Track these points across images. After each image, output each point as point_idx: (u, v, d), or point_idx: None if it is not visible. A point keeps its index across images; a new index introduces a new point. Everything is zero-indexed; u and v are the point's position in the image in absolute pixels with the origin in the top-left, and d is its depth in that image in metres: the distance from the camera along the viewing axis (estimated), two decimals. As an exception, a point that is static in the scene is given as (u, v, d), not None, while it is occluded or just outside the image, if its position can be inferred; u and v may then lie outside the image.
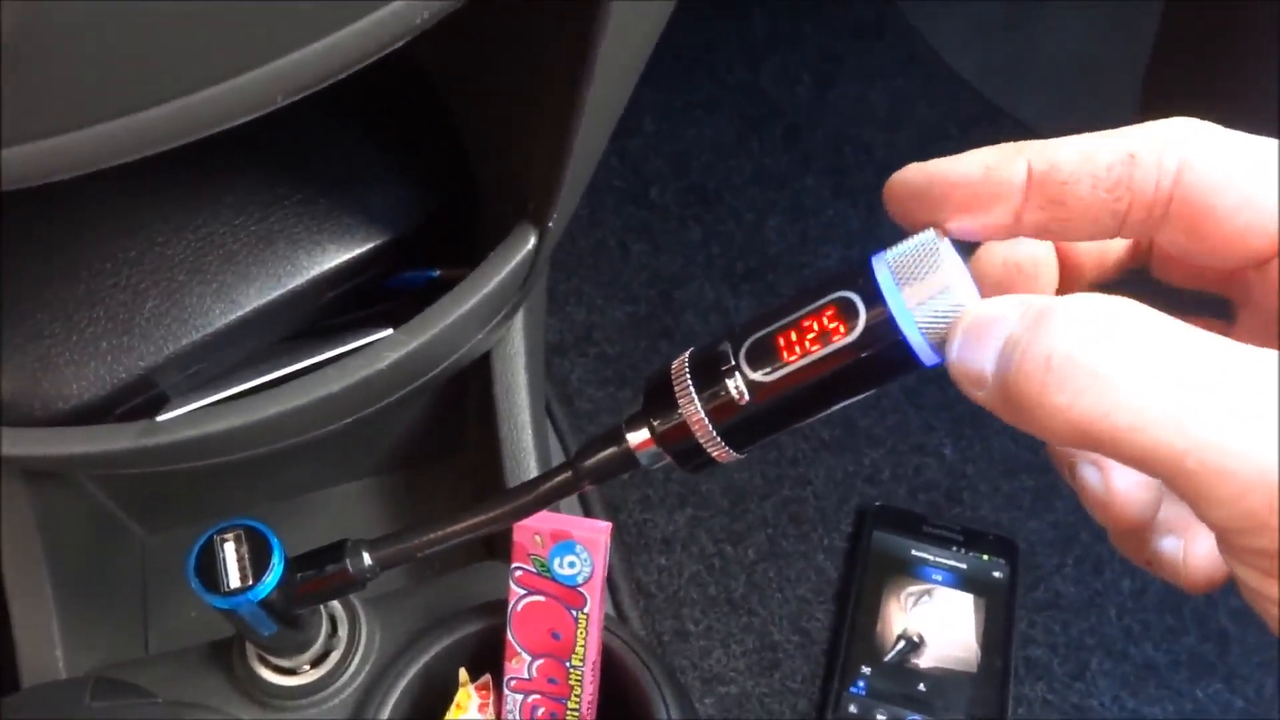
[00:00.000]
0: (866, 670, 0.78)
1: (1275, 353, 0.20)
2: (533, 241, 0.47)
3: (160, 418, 0.46)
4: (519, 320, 0.63)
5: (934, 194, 0.26)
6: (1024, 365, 0.21)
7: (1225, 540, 0.21)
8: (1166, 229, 0.24)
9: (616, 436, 0.37)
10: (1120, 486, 0.27)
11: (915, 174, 0.26)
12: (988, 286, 0.29)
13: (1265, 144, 0.23)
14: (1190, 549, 0.28)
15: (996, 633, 0.79)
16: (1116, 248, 0.29)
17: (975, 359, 0.23)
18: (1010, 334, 0.22)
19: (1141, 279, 0.29)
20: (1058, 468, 0.30)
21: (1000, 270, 0.29)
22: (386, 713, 0.54)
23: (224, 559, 0.44)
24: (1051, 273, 0.29)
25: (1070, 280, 0.30)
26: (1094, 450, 0.21)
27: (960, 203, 0.26)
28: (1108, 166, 0.24)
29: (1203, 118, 0.24)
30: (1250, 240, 0.23)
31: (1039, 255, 0.29)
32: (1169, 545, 0.28)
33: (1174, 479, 0.20)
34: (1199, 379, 0.20)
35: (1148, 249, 0.29)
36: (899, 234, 0.28)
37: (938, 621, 0.79)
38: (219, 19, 0.23)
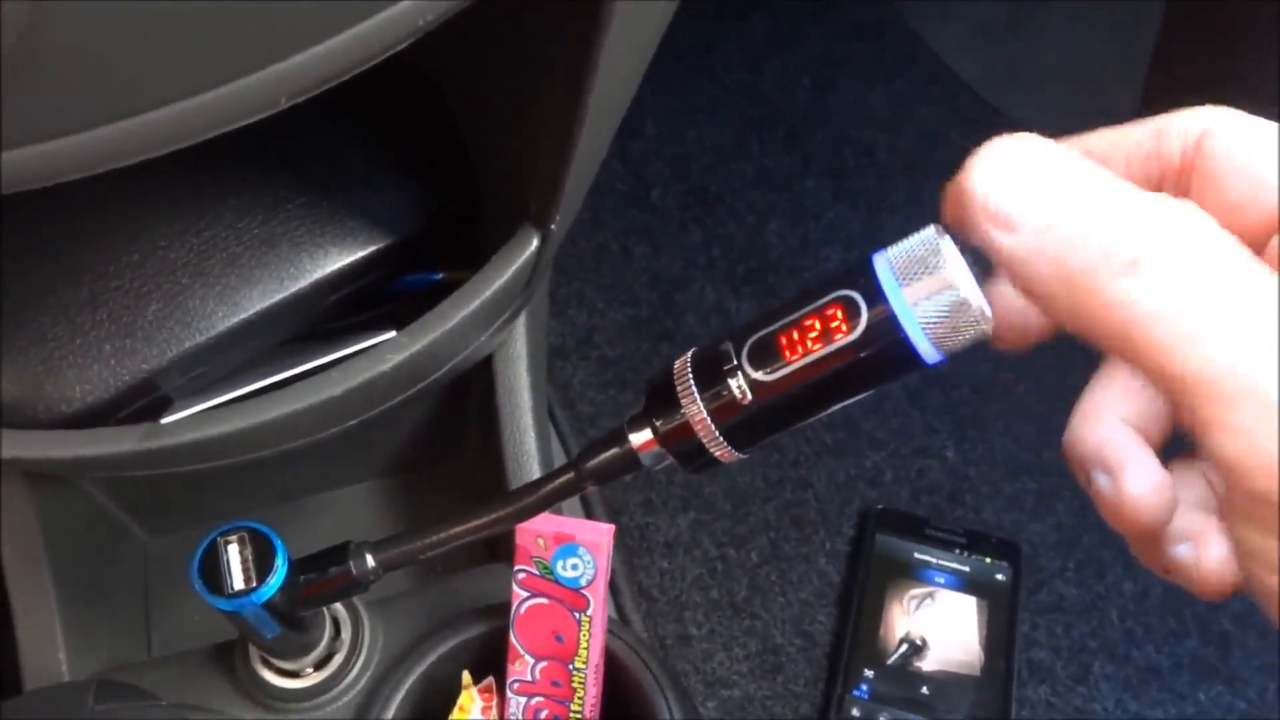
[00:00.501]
0: (869, 673, 0.78)
1: None
2: (535, 244, 0.47)
3: (163, 420, 0.46)
4: (521, 323, 0.63)
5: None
6: (1106, 258, 0.21)
7: (1231, 485, 0.21)
8: (1191, 193, 0.25)
9: (619, 437, 0.37)
10: (1132, 491, 0.27)
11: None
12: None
13: (1274, 126, 0.24)
14: (1204, 554, 0.28)
15: (999, 635, 0.79)
16: None
17: (1012, 201, 0.22)
18: (1088, 215, 0.21)
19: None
20: (1074, 472, 0.30)
21: None
22: (390, 715, 0.54)
23: (228, 561, 0.44)
24: None
25: None
26: (1120, 352, 0.21)
27: None
28: (1138, 142, 0.25)
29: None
30: (1247, 213, 0.24)
31: None
32: (1183, 551, 0.28)
33: (1202, 400, 0.20)
34: (1253, 310, 0.20)
35: None
36: (899, 234, 0.28)
37: (940, 624, 0.79)
38: (223, 21, 0.23)
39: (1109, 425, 0.29)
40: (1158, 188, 0.25)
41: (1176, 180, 0.25)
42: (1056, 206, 0.22)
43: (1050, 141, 0.23)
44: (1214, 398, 0.20)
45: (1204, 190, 0.24)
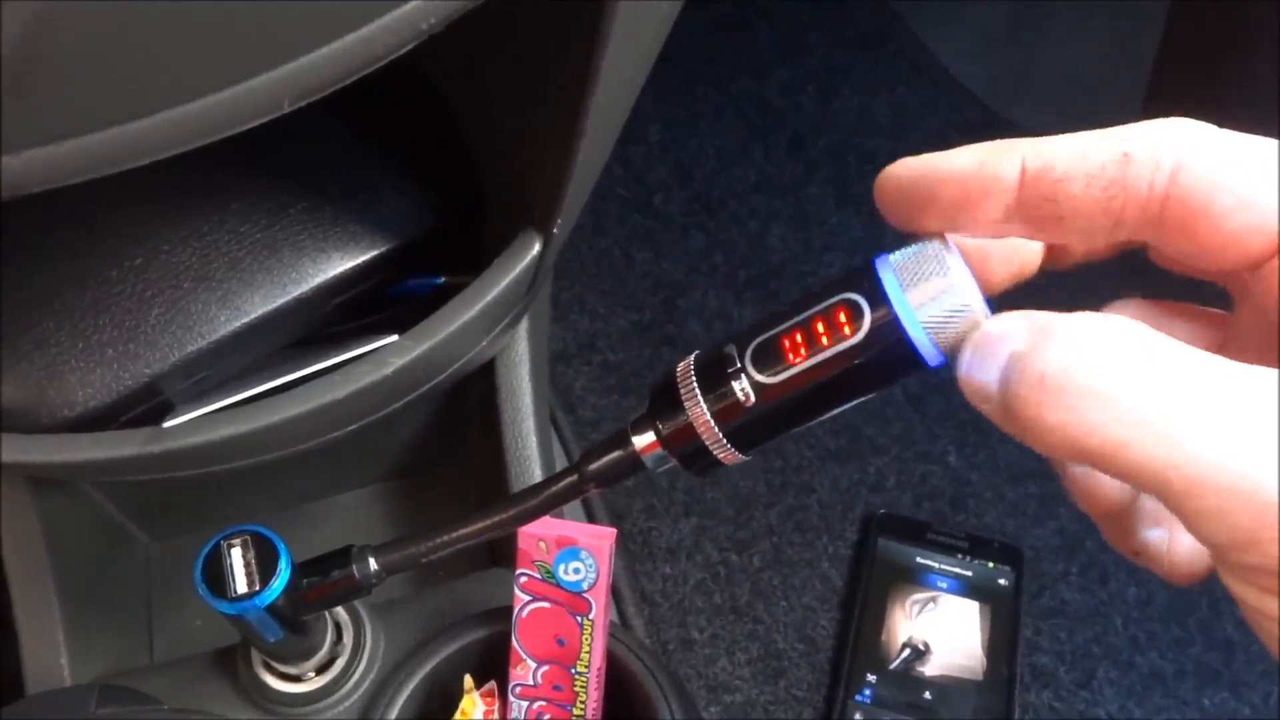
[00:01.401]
0: (872, 678, 0.78)
1: (1265, 370, 0.20)
2: (537, 248, 0.47)
3: (166, 424, 0.46)
4: (523, 327, 0.63)
5: (924, 189, 0.26)
6: (1021, 382, 0.22)
7: (1220, 557, 0.21)
8: (1161, 230, 0.24)
9: (622, 439, 0.37)
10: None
11: (906, 169, 0.26)
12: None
13: (1264, 144, 0.23)
14: (1175, 540, 0.28)
15: (1002, 640, 0.79)
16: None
17: (982, 374, 0.23)
18: (1013, 351, 0.22)
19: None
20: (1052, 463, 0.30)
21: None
22: (392, 719, 0.54)
23: (231, 565, 0.44)
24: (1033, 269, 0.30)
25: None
26: (1090, 465, 0.21)
27: (951, 198, 0.25)
28: (1102, 165, 0.23)
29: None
30: (1246, 243, 0.23)
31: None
32: (1154, 536, 0.28)
33: (1164, 495, 0.20)
34: (1186, 396, 0.20)
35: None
36: (902, 242, 0.29)
37: (943, 629, 0.79)
38: (226, 24, 0.23)
39: None
40: (1118, 213, 0.24)
41: (1143, 210, 0.24)
42: (996, 364, 0.23)
43: (1015, 316, 0.24)
44: (1172, 494, 0.20)
45: (1191, 220, 0.23)
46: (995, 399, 0.23)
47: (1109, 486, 0.28)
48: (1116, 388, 0.21)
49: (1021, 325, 0.23)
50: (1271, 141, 0.23)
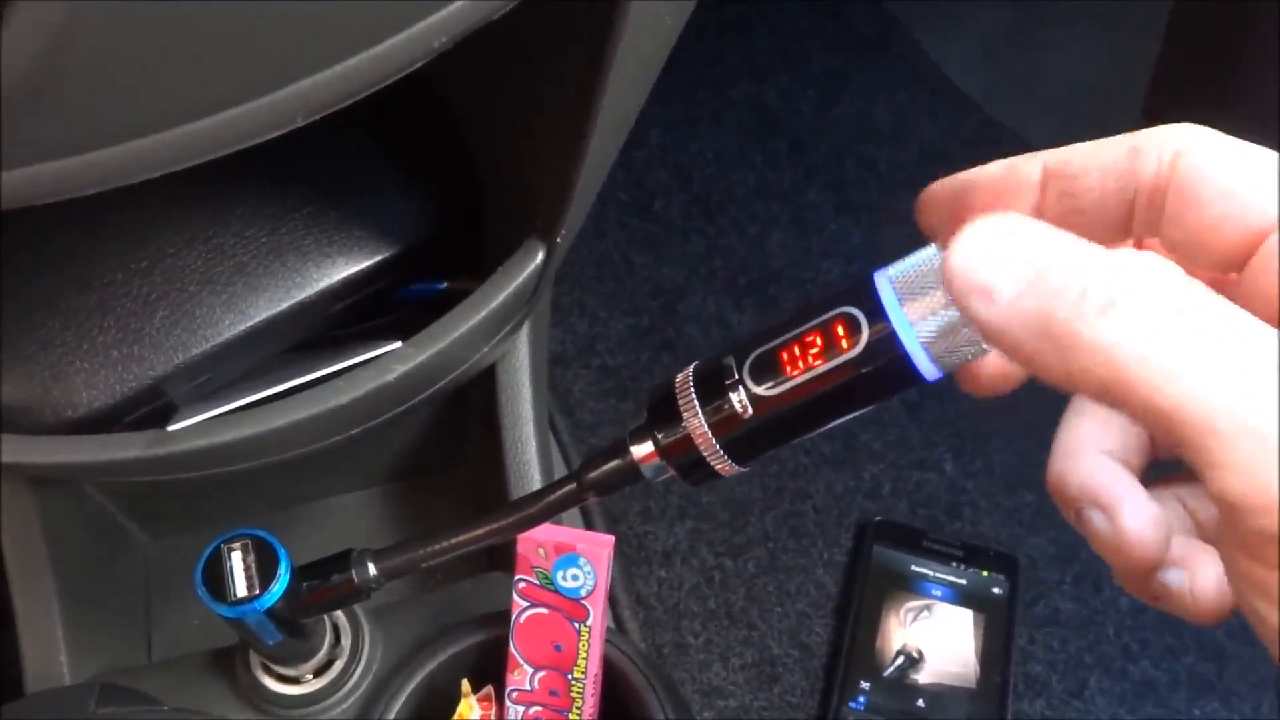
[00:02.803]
0: (866, 685, 0.78)
1: None
2: (541, 256, 0.48)
3: (171, 427, 0.47)
4: (524, 333, 0.63)
5: (961, 197, 0.28)
6: (1082, 303, 0.21)
7: (1231, 522, 0.21)
8: (1163, 221, 0.25)
9: (621, 449, 0.38)
10: (1132, 528, 0.27)
11: (943, 184, 0.29)
12: None
13: (1255, 148, 0.24)
14: (1197, 581, 0.27)
15: (996, 649, 0.79)
16: None
17: (990, 272, 0.23)
18: (1061, 267, 0.22)
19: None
20: (1063, 513, 0.30)
21: None
22: (389, 722, 0.54)
23: (231, 568, 0.44)
24: None
25: None
26: (1111, 400, 0.21)
27: (985, 202, 0.27)
28: (1114, 160, 0.26)
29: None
30: (1226, 232, 0.24)
31: None
32: (1174, 578, 0.28)
33: (1198, 437, 0.20)
34: (1236, 348, 0.20)
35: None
36: (900, 248, 0.29)
37: (937, 637, 0.80)
38: (246, 42, 0.23)
39: (1094, 461, 0.29)
40: (1131, 205, 0.26)
41: (1150, 198, 0.25)
42: (1030, 268, 0.22)
43: (1020, 215, 0.23)
44: (1211, 434, 0.20)
45: (1181, 208, 0.25)
46: (1010, 304, 0.22)
47: (1137, 539, 0.27)
48: (1181, 324, 0.21)
49: (1054, 243, 0.22)
50: (1265, 149, 0.25)
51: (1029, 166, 0.27)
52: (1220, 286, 0.25)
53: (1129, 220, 0.26)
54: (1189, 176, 0.25)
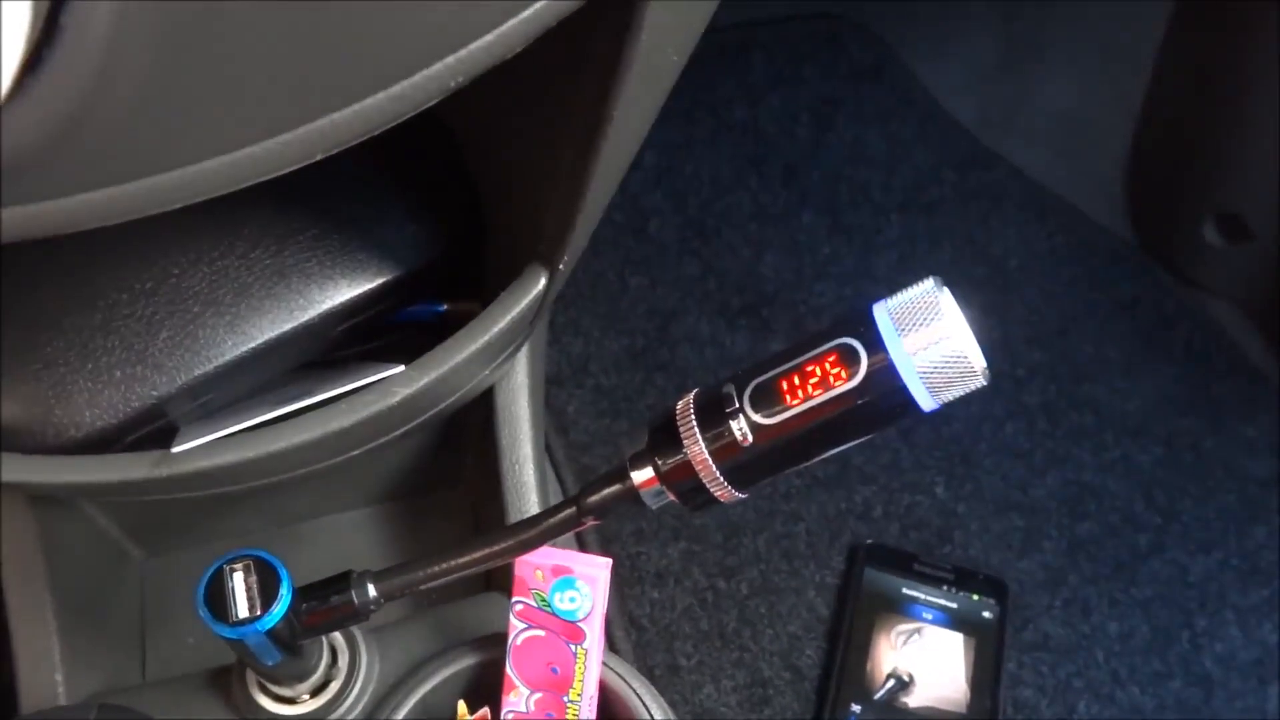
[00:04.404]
0: (856, 708, 0.78)
1: None
2: (543, 282, 0.48)
3: (175, 449, 0.47)
4: (523, 355, 0.64)
5: None
6: None
7: None
8: None
9: (621, 475, 0.38)
10: None
11: None
12: None
13: None
14: None
15: (986, 673, 0.80)
16: None
17: None
18: None
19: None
20: None
21: None
22: (385, 742, 0.54)
23: (233, 589, 0.44)
24: None
25: None
26: None
27: None
28: None
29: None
30: None
31: None
32: None
33: None
34: None
35: None
36: (892, 272, 0.30)
37: (927, 660, 0.80)
38: (270, 83, 0.24)
39: None
40: None
41: None
42: None
43: None
44: None
45: None
46: None
47: None
48: None
49: None
50: None
51: None
52: None
53: None
54: None
